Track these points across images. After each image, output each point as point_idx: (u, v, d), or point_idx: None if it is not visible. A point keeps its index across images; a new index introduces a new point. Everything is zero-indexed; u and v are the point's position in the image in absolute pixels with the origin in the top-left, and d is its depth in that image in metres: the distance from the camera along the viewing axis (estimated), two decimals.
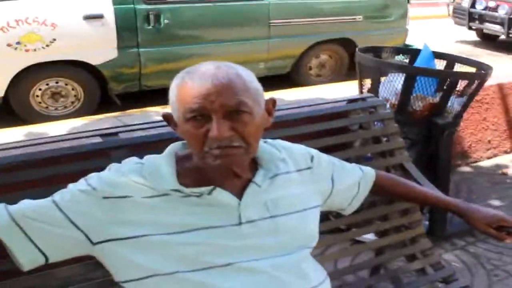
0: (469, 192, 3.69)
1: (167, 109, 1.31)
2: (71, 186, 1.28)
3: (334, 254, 2.00)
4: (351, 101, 2.17)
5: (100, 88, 5.18)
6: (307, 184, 1.44)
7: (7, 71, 4.65)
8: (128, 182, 1.26)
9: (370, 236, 2.22)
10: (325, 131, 1.99)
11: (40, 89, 4.92)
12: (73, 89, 5.06)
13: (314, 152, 1.53)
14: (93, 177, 1.28)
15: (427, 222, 2.89)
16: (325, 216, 1.75)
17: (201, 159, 1.22)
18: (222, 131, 1.16)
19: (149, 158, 1.33)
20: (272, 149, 1.41)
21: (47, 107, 5.01)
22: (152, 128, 1.73)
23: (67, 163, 1.50)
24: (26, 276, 1.35)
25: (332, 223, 1.90)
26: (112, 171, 1.30)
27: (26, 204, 1.25)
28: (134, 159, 1.35)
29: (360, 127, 2.15)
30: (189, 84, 1.19)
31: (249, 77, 1.24)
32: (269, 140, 1.46)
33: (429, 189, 1.83)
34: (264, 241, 1.28)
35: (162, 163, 1.29)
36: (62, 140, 1.59)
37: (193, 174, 1.29)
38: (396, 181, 1.74)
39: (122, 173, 1.27)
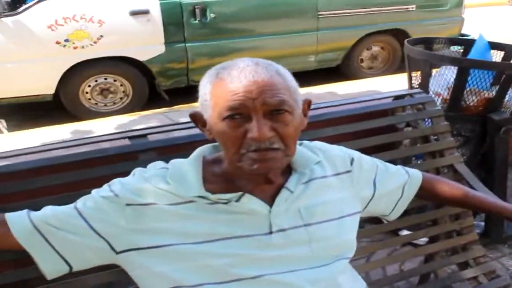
0: None
1: None
2: (94, 192, 1.24)
3: (382, 260, 1.90)
4: (397, 97, 2.05)
5: (148, 84, 5.20)
6: (345, 189, 1.34)
7: (57, 68, 4.72)
8: (151, 188, 1.20)
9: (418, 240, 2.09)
10: (369, 130, 1.87)
11: (89, 86, 4.97)
12: (121, 85, 5.09)
13: (355, 154, 1.43)
14: (116, 183, 1.23)
15: (482, 223, 2.73)
16: (374, 219, 1.65)
17: (237, 162, 1.14)
18: (264, 131, 1.09)
19: (174, 163, 1.27)
20: (308, 152, 1.32)
21: (96, 104, 5.06)
22: (182, 129, 1.67)
23: (93, 166, 1.46)
24: (51, 284, 1.31)
25: (380, 227, 1.80)
26: (136, 176, 1.25)
27: (48, 211, 1.23)
28: (159, 163, 1.29)
29: (407, 125, 2.02)
30: (227, 80, 1.12)
31: (289, 75, 1.18)
32: (305, 142, 1.37)
33: (482, 194, 1.67)
34: (296, 252, 1.19)
35: (188, 168, 1.23)
36: (89, 143, 1.54)
37: (221, 179, 1.22)
38: (445, 185, 1.58)
39: (146, 179, 1.22)
